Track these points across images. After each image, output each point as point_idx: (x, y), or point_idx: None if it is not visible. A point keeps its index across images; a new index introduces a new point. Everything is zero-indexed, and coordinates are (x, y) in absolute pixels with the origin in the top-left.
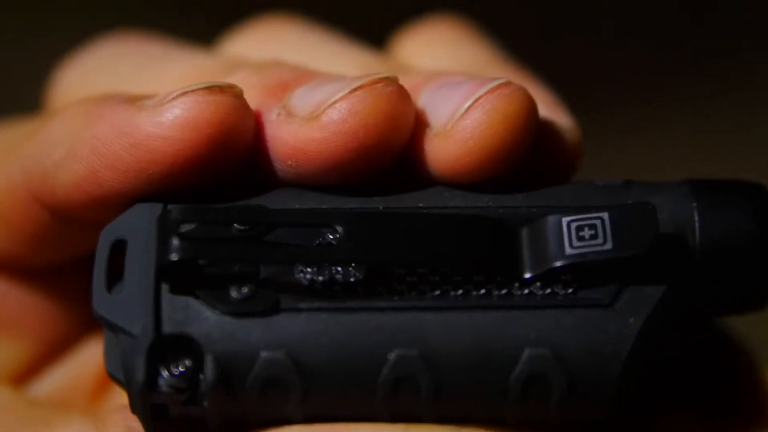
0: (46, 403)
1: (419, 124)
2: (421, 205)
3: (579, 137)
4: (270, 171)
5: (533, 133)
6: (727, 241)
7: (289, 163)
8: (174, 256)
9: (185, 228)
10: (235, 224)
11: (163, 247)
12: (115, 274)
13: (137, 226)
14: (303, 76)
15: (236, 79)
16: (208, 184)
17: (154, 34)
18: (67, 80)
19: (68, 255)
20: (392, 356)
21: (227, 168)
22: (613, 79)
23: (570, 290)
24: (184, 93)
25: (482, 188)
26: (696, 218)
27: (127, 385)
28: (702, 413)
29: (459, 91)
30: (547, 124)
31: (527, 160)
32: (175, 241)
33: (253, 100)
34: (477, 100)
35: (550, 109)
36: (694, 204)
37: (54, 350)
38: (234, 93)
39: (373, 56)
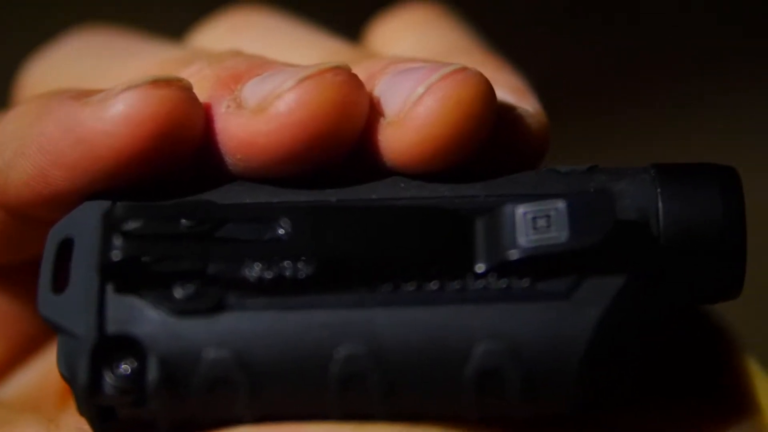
0: (14, 404)
1: (374, 112)
2: (375, 196)
3: (544, 122)
4: (222, 165)
5: (491, 120)
6: (692, 228)
7: (239, 156)
8: (116, 255)
9: (131, 225)
10: (182, 220)
11: (105, 245)
12: (65, 274)
13: (84, 224)
14: (257, 66)
15: (191, 71)
16: (159, 180)
17: (124, 27)
18: (34, 75)
19: (29, 255)
20: (340, 353)
21: (177, 163)
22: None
23: (527, 282)
24: (128, 88)
25: (440, 177)
26: (660, 204)
27: (72, 387)
28: (681, 405)
29: (412, 78)
30: (510, 110)
31: (488, 147)
32: (118, 240)
33: (206, 92)
34: (429, 86)
35: (515, 94)
36: (659, 189)
37: (20, 352)
38: (180, 86)
39: (342, 45)
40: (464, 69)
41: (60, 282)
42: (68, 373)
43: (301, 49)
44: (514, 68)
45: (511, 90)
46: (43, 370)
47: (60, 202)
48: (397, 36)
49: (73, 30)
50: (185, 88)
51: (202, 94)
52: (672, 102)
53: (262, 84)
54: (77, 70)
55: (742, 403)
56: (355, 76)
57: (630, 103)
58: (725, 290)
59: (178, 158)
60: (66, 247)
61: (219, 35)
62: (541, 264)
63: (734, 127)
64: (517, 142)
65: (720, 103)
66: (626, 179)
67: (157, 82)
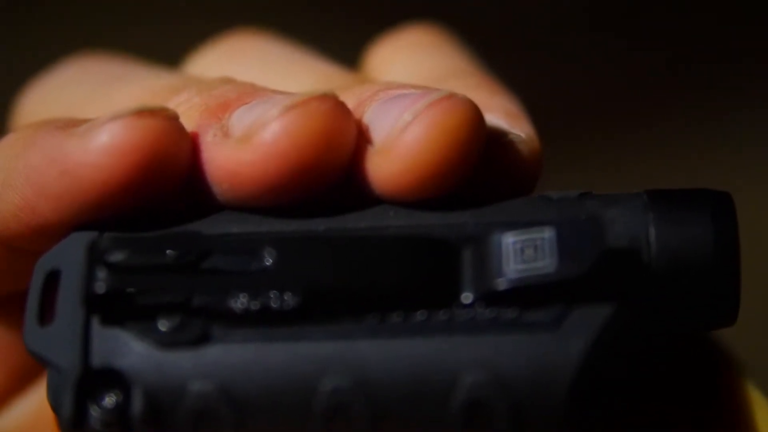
0: None
1: (362, 140)
2: (363, 225)
3: (537, 148)
4: (210, 194)
5: (479, 147)
6: (684, 255)
7: (225, 186)
8: (100, 287)
9: (116, 257)
10: (168, 251)
11: (89, 277)
12: (52, 306)
13: (71, 256)
14: (246, 94)
15: (180, 100)
16: (148, 210)
17: (122, 53)
18: (29, 103)
19: (22, 286)
20: (326, 386)
21: (164, 193)
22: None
23: (515, 312)
24: (112, 118)
25: (429, 205)
26: (652, 231)
27: (57, 419)
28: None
29: (400, 105)
30: (501, 136)
31: (479, 173)
32: (102, 272)
33: (194, 121)
34: (416, 114)
35: (508, 118)
36: (651, 216)
37: (17, 382)
38: (165, 116)
39: (337, 70)
40: (452, 96)
41: (47, 314)
42: (54, 406)
43: (296, 75)
44: (510, 92)
45: (504, 115)
46: (41, 399)
47: (48, 234)
48: (393, 59)
49: (70, 57)
50: (171, 118)
51: (190, 122)
52: (684, 119)
53: (249, 113)
54: (71, 98)
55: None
56: (341, 104)
57: (642, 123)
58: (719, 318)
59: (165, 188)
60: (53, 279)
61: (214, 61)
62: (528, 294)
63: (745, 143)
64: (509, 167)
65: (730, 119)
66: (618, 206)
67: (142, 113)
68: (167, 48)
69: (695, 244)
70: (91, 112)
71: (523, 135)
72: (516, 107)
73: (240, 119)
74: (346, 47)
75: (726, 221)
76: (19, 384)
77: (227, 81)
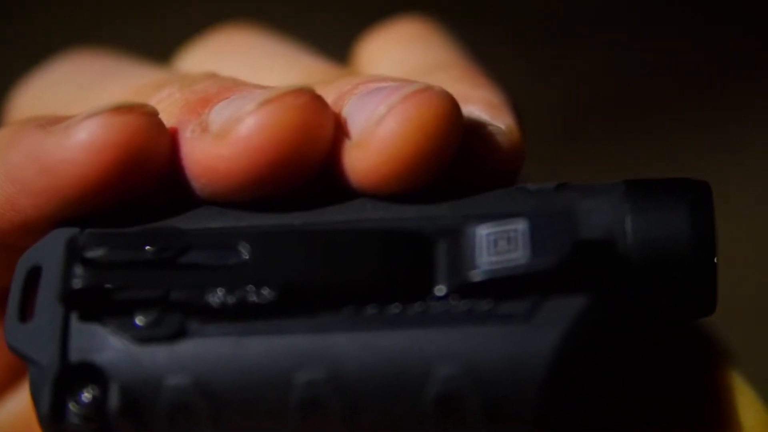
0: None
1: (340, 134)
2: (340, 219)
3: (516, 139)
4: (190, 190)
5: (455, 139)
6: (661, 245)
7: (203, 181)
8: (77, 283)
9: (94, 253)
10: (146, 247)
11: (67, 274)
12: (33, 303)
13: (52, 252)
14: (227, 89)
15: (163, 96)
16: (129, 205)
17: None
18: (20, 100)
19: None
20: (300, 379)
21: (144, 188)
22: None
23: (489, 304)
24: (90, 116)
25: (407, 198)
26: (628, 221)
27: (36, 415)
28: (656, 422)
29: (376, 99)
30: (480, 127)
31: (457, 165)
32: (78, 269)
33: (175, 117)
34: (391, 107)
35: (489, 110)
36: (627, 205)
37: (9, 379)
38: (143, 112)
39: (323, 63)
40: (427, 88)
41: (28, 311)
42: (34, 402)
43: (282, 69)
44: (494, 84)
45: (485, 106)
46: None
47: (31, 230)
48: (382, 52)
49: (62, 54)
50: (148, 114)
51: (171, 118)
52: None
53: (227, 108)
54: (61, 96)
55: (721, 420)
56: (318, 98)
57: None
58: (698, 308)
59: (144, 184)
60: (34, 276)
61: (203, 56)
62: (502, 286)
63: None
64: (487, 159)
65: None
66: (595, 196)
67: (119, 109)
68: (163, 41)
69: (672, 233)
70: (79, 109)
71: (503, 127)
72: (498, 99)
73: (219, 114)
74: (348, 39)
75: (703, 210)
76: (12, 380)
77: (210, 76)
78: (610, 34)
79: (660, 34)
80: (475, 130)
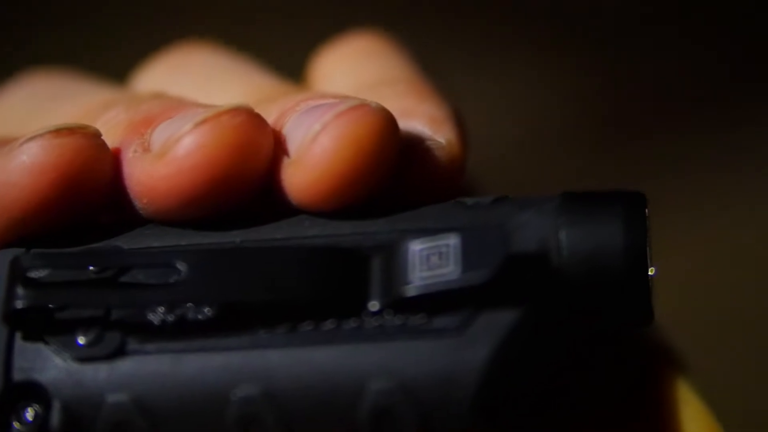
0: None
1: (279, 151)
2: (279, 236)
3: (456, 154)
4: (133, 209)
5: (391, 155)
6: (594, 257)
7: (144, 201)
8: (18, 304)
9: (36, 273)
10: (88, 267)
11: (10, 294)
12: None
13: None
14: (171, 109)
15: (108, 117)
16: (75, 226)
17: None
18: None
19: None
20: (237, 395)
21: (88, 209)
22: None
23: (423, 318)
24: (32, 138)
25: (345, 214)
26: (562, 234)
27: None
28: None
29: (312, 116)
30: (419, 142)
31: (395, 181)
32: (20, 289)
33: (119, 137)
34: (325, 124)
35: (430, 125)
36: (562, 219)
37: None
38: (84, 133)
39: (273, 81)
40: (362, 105)
41: None
42: None
43: (233, 87)
44: (440, 98)
45: (427, 121)
46: None
47: None
48: (335, 68)
49: (20, 76)
50: (90, 135)
51: (116, 138)
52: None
53: (168, 128)
54: (17, 117)
55: (663, 431)
56: (256, 117)
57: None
58: (633, 319)
59: (88, 204)
60: None
61: (158, 75)
62: (435, 301)
63: None
64: (427, 174)
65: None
66: (530, 210)
67: (60, 131)
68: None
69: (605, 245)
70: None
71: (443, 141)
72: (442, 113)
73: (159, 134)
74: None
75: (636, 222)
76: None
77: (156, 96)
78: (624, 49)
79: (672, 44)
80: (415, 144)
